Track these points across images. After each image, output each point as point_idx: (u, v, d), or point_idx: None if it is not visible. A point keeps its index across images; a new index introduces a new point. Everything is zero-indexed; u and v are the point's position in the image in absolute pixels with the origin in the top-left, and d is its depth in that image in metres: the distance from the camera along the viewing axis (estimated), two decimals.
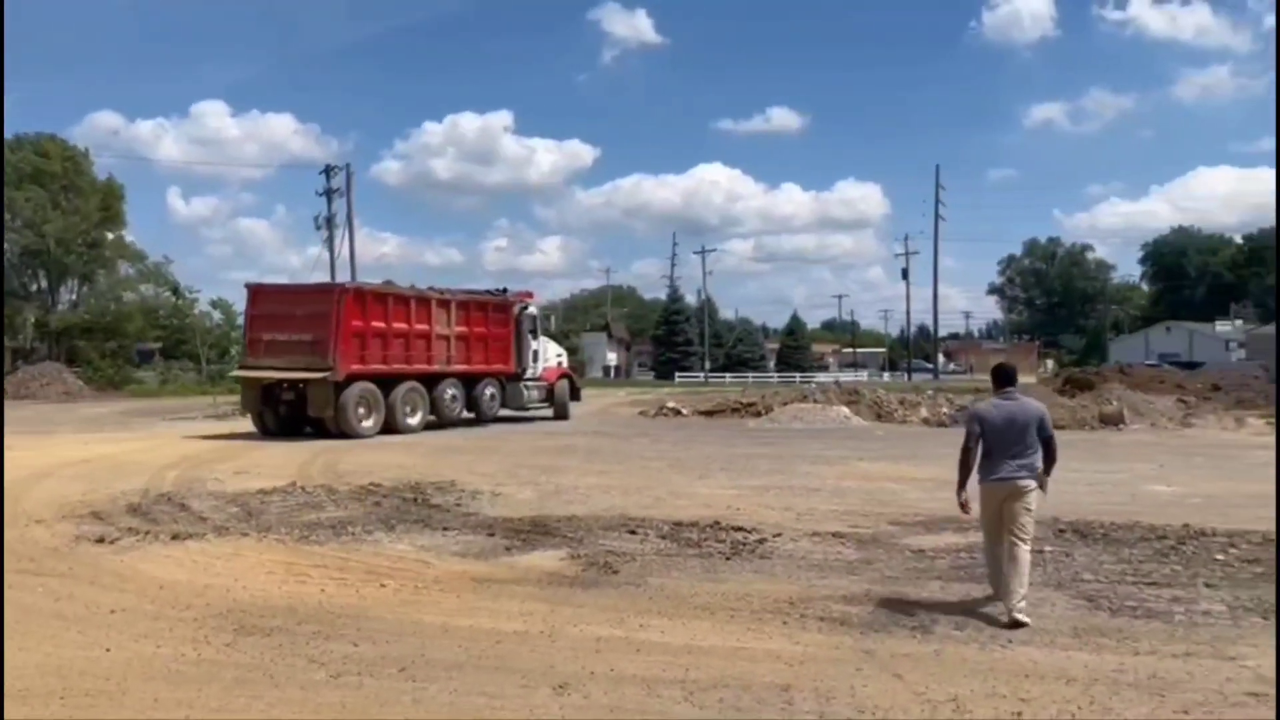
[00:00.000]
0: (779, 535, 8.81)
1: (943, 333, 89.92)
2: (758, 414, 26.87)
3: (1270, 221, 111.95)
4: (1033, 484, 6.37)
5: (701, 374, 77.75)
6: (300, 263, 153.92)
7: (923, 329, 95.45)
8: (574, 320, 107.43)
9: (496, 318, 24.09)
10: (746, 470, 14.48)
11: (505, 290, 25.26)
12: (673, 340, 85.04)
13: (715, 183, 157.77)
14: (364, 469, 13.92)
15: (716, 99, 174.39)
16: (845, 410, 25.92)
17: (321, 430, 19.88)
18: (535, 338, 25.49)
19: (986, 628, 5.85)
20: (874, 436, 21.36)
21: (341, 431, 19.54)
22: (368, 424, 20.12)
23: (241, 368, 21.57)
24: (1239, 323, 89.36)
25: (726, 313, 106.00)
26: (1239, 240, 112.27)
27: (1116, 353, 79.49)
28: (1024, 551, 6.22)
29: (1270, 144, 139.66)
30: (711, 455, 16.89)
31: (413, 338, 21.40)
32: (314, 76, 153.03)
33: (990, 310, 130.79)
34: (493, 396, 24.01)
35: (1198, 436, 21.86)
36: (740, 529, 9.04)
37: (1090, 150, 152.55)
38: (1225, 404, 26.70)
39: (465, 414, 23.31)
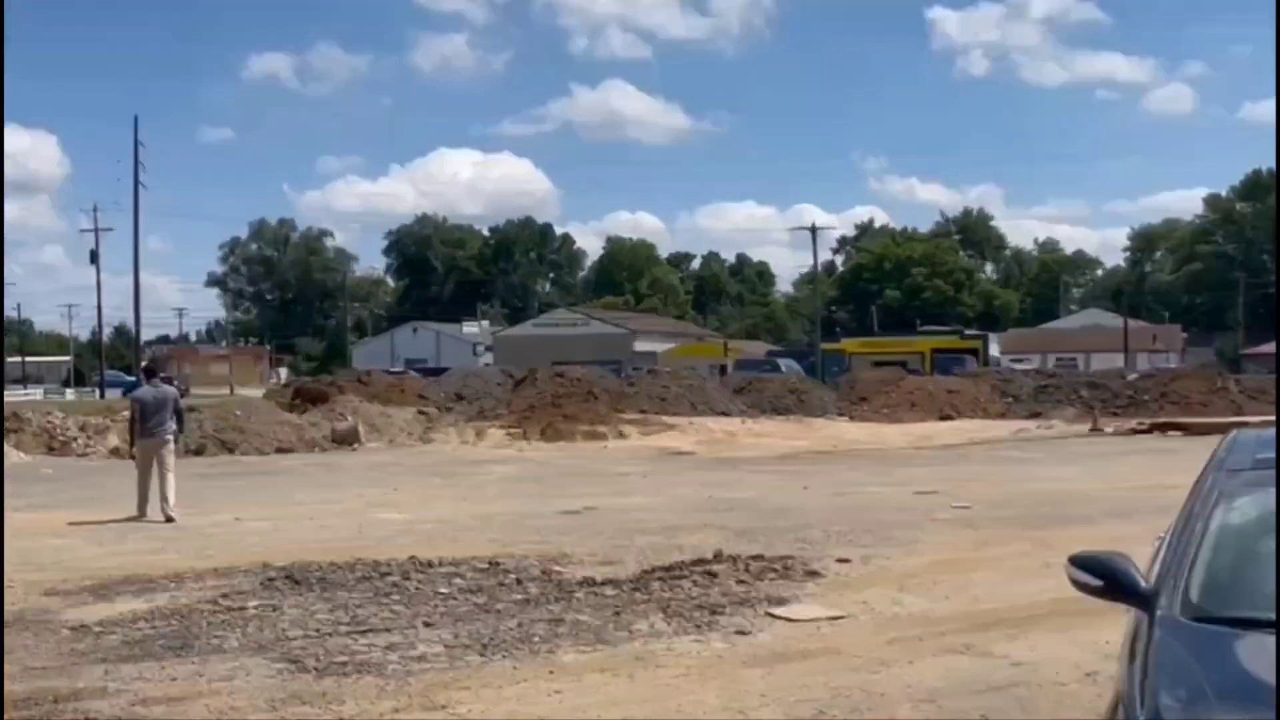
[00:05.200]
0: None
1: (150, 334, 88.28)
2: None
3: (514, 213, 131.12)
4: (171, 438, 13.45)
5: None
6: None
7: (121, 330, 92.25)
8: None
9: None
10: None
11: None
12: None
13: None
14: None
15: None
16: None
17: None
18: None
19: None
20: (39, 477, 19.95)
21: None
22: None
23: None
24: (486, 324, 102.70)
25: None
26: (485, 232, 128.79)
27: (360, 358, 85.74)
28: (171, 477, 13.11)
29: (503, 136, 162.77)
30: None
31: None
32: None
33: (211, 307, 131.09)
34: None
35: (437, 452, 24.51)
36: None
37: (323, 116, 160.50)
38: (468, 414, 30.12)
39: None
